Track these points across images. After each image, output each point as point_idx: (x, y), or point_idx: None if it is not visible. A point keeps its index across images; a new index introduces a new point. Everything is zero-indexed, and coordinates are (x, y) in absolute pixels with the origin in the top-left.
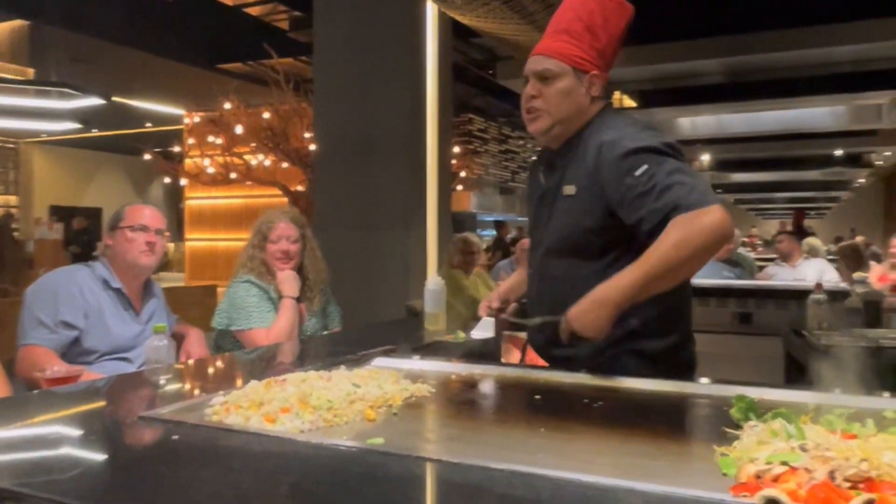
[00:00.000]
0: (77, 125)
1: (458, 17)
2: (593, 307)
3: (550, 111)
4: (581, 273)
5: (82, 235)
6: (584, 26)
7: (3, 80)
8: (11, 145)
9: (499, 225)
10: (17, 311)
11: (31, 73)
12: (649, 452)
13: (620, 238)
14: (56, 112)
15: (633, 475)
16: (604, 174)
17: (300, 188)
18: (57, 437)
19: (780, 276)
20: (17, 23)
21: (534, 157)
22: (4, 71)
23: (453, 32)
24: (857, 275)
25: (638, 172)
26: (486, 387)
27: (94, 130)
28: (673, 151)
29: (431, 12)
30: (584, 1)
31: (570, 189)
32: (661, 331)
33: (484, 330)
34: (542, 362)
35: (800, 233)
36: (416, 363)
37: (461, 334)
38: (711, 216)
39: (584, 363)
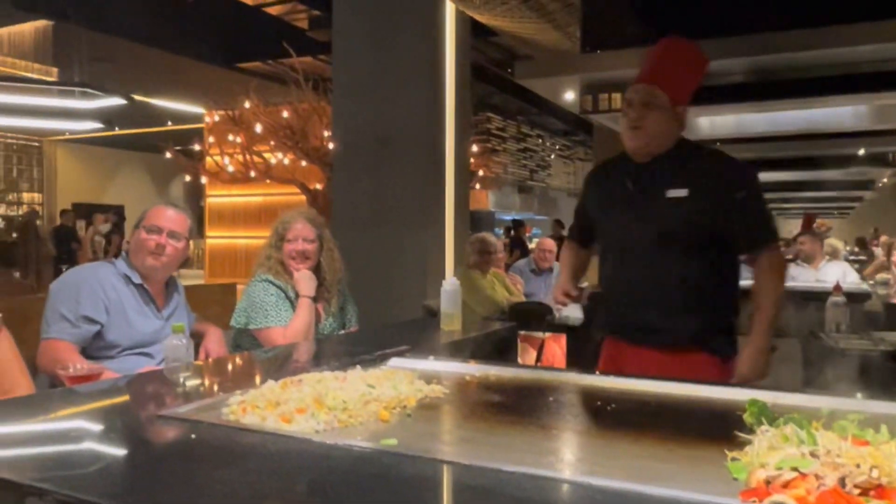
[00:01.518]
0: (99, 125)
1: (477, 16)
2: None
3: (651, 133)
4: (691, 263)
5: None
6: (681, 68)
7: (27, 80)
8: (36, 143)
9: (517, 224)
10: (41, 307)
11: (54, 72)
12: (660, 456)
13: (726, 232)
14: (79, 112)
15: (643, 478)
16: (723, 183)
17: (319, 186)
18: (78, 433)
19: (802, 277)
20: (42, 23)
21: (595, 166)
22: (29, 71)
23: (472, 31)
24: (879, 276)
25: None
26: (501, 388)
27: (116, 129)
28: None
29: (450, 11)
30: (683, 48)
31: (679, 192)
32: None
33: (573, 313)
34: (559, 363)
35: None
36: (430, 364)
37: (571, 317)
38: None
39: (688, 340)
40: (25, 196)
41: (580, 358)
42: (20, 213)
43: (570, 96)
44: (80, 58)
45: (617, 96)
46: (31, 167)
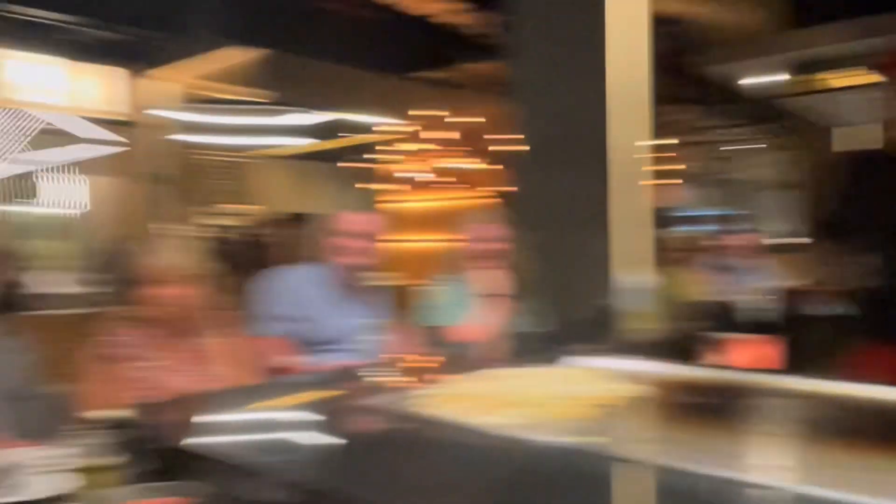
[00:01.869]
0: (300, 139)
1: (665, 5)
2: None
3: None
4: None
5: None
6: None
7: (242, 103)
8: (243, 159)
9: (698, 220)
10: (247, 306)
11: (263, 94)
12: (879, 466)
13: None
14: (284, 129)
15: (863, 490)
16: None
17: (500, 188)
18: (282, 422)
19: None
20: (250, 52)
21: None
22: (241, 94)
23: (654, 21)
24: None
25: None
26: (698, 389)
27: (312, 142)
28: None
29: (631, 3)
30: None
31: None
32: None
33: (833, 311)
34: (755, 365)
35: None
36: (622, 363)
37: (829, 314)
38: None
39: None
40: (237, 207)
41: (785, 361)
42: (234, 223)
43: (771, 79)
44: (282, 80)
45: (826, 76)
46: (239, 181)
